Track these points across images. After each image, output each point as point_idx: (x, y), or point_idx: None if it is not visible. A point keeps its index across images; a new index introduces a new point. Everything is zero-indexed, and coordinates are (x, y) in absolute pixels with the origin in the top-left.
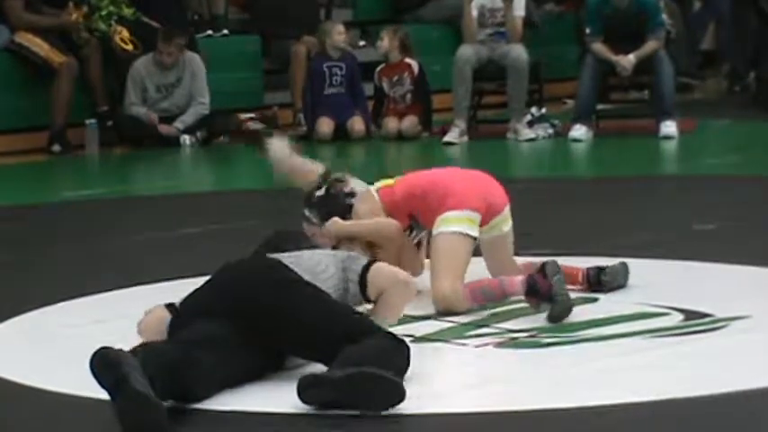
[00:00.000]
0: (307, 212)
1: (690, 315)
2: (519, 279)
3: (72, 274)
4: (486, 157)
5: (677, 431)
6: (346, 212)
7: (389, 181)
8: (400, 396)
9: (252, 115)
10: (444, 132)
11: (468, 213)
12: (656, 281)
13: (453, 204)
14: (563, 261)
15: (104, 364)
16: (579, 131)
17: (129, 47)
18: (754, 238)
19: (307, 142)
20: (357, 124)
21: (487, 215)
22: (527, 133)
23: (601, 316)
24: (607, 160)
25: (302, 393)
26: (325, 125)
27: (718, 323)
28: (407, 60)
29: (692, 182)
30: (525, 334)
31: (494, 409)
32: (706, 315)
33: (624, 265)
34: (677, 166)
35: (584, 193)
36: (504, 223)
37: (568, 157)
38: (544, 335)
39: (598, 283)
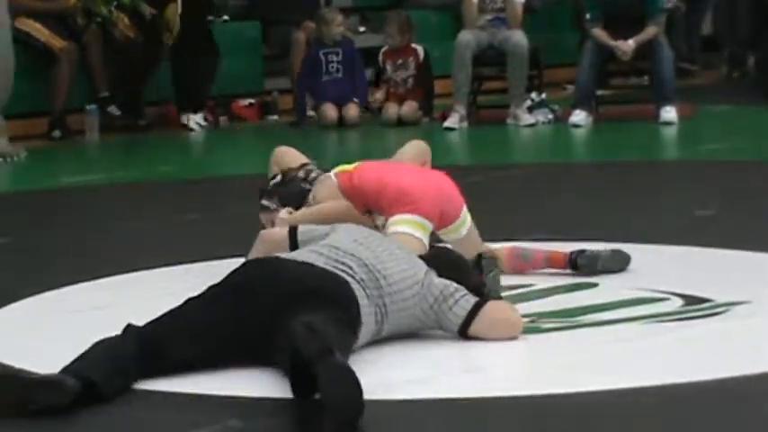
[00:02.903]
0: (265, 202)
1: (689, 300)
2: None
3: (72, 259)
4: (486, 142)
5: (677, 416)
6: (303, 198)
7: (348, 167)
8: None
9: (251, 101)
10: (444, 118)
11: (420, 219)
12: (656, 266)
13: (409, 209)
14: (559, 245)
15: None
16: (579, 117)
17: (131, 33)
18: (754, 223)
19: (303, 128)
20: (352, 110)
21: (442, 221)
22: (527, 119)
23: (600, 301)
24: (607, 146)
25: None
26: (331, 110)
27: (718, 308)
28: (413, 45)
29: (692, 167)
30: (525, 320)
31: (492, 395)
32: (706, 300)
33: (616, 252)
34: (677, 151)
35: (583, 178)
36: (462, 227)
37: (568, 142)
38: (543, 320)
39: (575, 266)
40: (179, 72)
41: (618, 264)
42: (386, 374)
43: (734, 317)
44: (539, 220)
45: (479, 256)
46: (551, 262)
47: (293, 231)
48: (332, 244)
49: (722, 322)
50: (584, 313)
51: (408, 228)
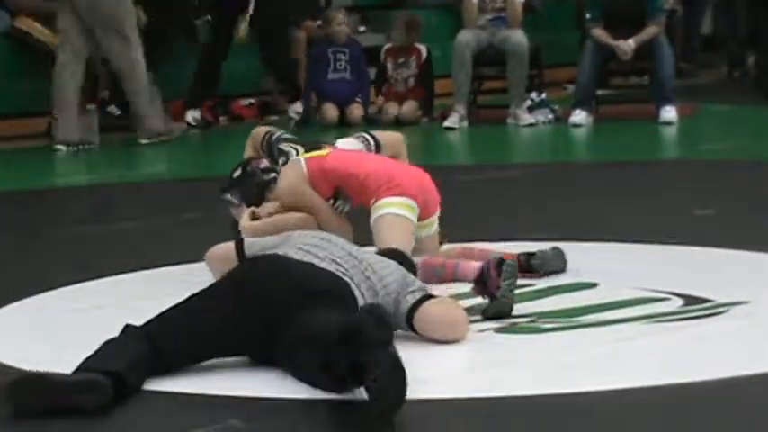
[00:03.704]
0: (229, 196)
1: (690, 300)
2: (475, 266)
3: (72, 259)
4: (485, 142)
5: (677, 416)
6: (266, 188)
7: (321, 152)
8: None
9: (251, 101)
10: (444, 117)
11: (409, 201)
12: (656, 266)
13: (396, 192)
14: (557, 245)
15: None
16: (579, 117)
17: None
18: (754, 223)
19: (306, 127)
20: (356, 110)
21: (423, 212)
22: (527, 118)
23: (600, 301)
24: (607, 145)
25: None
26: (332, 110)
27: (718, 308)
28: (417, 45)
29: (692, 167)
30: (525, 319)
31: (493, 395)
32: (706, 300)
33: (556, 249)
34: (677, 151)
35: (583, 178)
36: (434, 224)
37: (568, 142)
38: (544, 320)
39: (529, 268)
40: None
41: (563, 261)
42: None
43: (734, 317)
44: (538, 219)
45: (501, 260)
46: None
47: (240, 246)
48: (314, 243)
49: (722, 322)
50: (584, 313)
51: (398, 209)
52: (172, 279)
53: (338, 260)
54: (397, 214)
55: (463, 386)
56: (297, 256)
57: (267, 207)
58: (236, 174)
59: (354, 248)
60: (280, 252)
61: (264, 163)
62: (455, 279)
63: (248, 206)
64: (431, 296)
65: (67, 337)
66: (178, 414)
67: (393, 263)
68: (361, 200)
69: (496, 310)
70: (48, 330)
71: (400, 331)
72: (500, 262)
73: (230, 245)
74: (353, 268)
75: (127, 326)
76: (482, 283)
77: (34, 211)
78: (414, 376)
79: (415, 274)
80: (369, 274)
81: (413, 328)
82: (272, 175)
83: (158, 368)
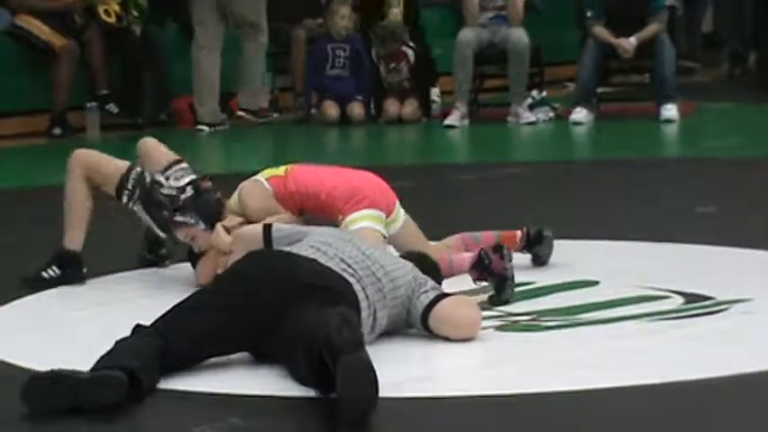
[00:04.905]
0: (179, 219)
1: (691, 298)
2: (469, 255)
3: None
4: (486, 140)
5: (678, 414)
6: (221, 207)
7: (278, 171)
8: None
9: None
10: (445, 115)
11: (376, 213)
12: (657, 264)
13: (364, 205)
14: (560, 243)
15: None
16: (580, 115)
17: (112, 19)
18: (755, 220)
19: (307, 125)
20: (356, 108)
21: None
22: (528, 116)
23: (601, 299)
24: (608, 143)
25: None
26: (332, 108)
27: (719, 306)
28: (403, 49)
29: (693, 165)
30: (526, 317)
31: (494, 393)
32: (707, 298)
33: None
34: (678, 149)
35: (584, 176)
36: (396, 222)
37: (569, 140)
38: (545, 318)
39: (539, 237)
40: None
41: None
42: (388, 373)
43: (735, 314)
44: (539, 217)
45: (498, 245)
46: (503, 239)
47: (268, 230)
48: (327, 241)
49: (723, 320)
50: (585, 311)
51: (370, 222)
52: (174, 277)
53: (347, 259)
54: (367, 227)
55: (463, 384)
56: (306, 253)
57: (234, 220)
58: (187, 194)
59: (369, 249)
60: (294, 249)
61: (208, 182)
62: (452, 274)
63: (206, 224)
64: (445, 295)
65: (68, 336)
66: (179, 412)
67: (408, 264)
68: (327, 216)
69: (509, 296)
70: (49, 329)
71: (401, 330)
72: (497, 247)
73: (258, 227)
74: (363, 269)
75: (137, 325)
76: (482, 268)
77: (35, 209)
78: (414, 374)
79: (438, 273)
80: (380, 275)
81: (428, 328)
82: (218, 194)
83: (170, 367)
